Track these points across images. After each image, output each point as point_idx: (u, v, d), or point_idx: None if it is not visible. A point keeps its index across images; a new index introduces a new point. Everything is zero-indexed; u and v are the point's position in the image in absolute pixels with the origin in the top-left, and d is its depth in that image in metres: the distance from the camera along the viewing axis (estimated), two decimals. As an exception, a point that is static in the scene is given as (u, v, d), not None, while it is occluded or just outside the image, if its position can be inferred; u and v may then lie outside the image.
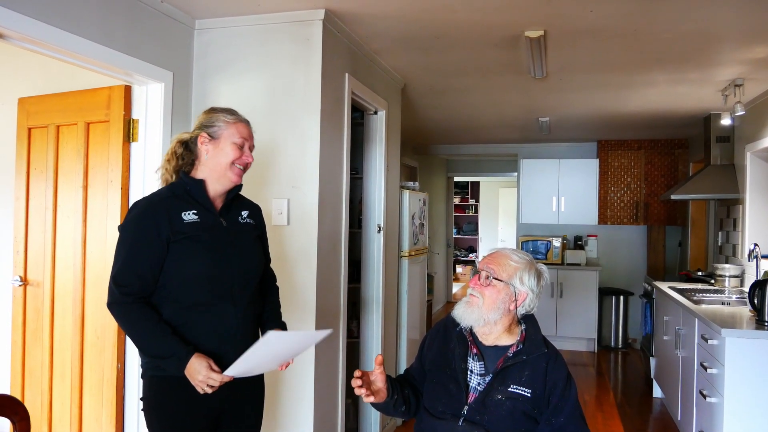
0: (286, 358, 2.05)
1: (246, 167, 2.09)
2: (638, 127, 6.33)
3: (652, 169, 7.07)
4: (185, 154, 2.08)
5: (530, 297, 1.95)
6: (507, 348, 1.93)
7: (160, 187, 2.10)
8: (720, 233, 5.58)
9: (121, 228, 1.99)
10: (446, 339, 2.03)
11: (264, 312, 2.22)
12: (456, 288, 11.26)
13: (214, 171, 2.04)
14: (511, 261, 1.96)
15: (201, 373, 1.86)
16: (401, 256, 4.57)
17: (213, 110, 2.12)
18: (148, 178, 2.94)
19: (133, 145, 2.97)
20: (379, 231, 4.01)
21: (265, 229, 2.30)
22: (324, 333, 2.01)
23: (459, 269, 12.93)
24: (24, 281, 3.25)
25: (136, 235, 1.94)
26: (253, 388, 2.15)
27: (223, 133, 2.04)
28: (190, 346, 1.91)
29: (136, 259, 1.92)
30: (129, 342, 2.95)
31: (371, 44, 3.58)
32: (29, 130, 3.27)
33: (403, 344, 4.64)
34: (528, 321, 2.01)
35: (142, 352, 1.98)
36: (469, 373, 1.92)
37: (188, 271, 1.94)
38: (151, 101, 2.97)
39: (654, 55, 3.72)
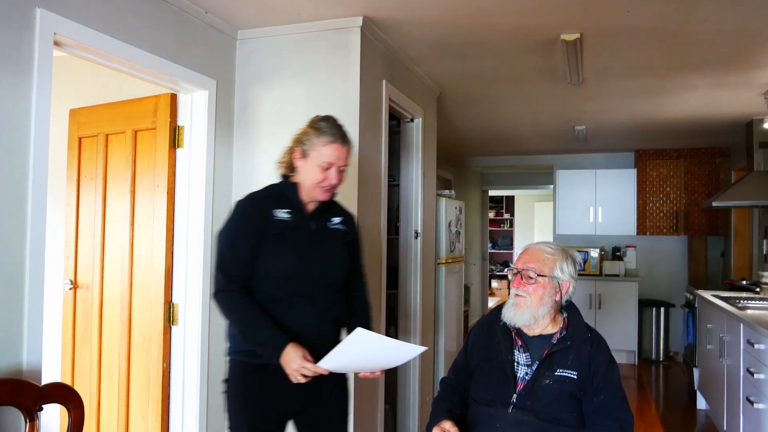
0: (380, 365, 2.06)
1: (334, 187, 2.10)
2: (677, 136, 6.25)
3: (692, 178, 6.95)
4: None
5: (572, 284, 1.99)
6: (551, 336, 1.97)
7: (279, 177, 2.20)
8: (765, 241, 5.45)
9: (226, 221, 2.09)
10: (491, 333, 2.06)
11: (350, 322, 2.19)
12: (492, 302, 11.15)
13: (304, 185, 2.11)
14: (547, 254, 2.00)
15: (296, 362, 1.90)
16: (438, 263, 4.58)
17: (310, 125, 2.11)
18: (194, 183, 3.04)
19: (179, 151, 3.07)
20: (416, 237, 4.04)
21: (358, 238, 2.32)
22: (419, 349, 1.94)
23: (495, 284, 12.82)
24: (74, 285, 3.36)
25: (238, 227, 2.06)
26: (337, 391, 2.20)
27: (311, 153, 2.06)
28: (287, 335, 1.96)
29: (239, 247, 2.03)
30: (174, 342, 3.03)
31: (408, 51, 3.64)
32: (80, 139, 3.41)
33: (440, 353, 4.64)
34: (569, 309, 2.04)
35: (243, 338, 2.03)
36: (516, 364, 1.96)
37: (270, 266, 2.02)
38: (196, 108, 3.07)
39: (693, 58, 3.69)
